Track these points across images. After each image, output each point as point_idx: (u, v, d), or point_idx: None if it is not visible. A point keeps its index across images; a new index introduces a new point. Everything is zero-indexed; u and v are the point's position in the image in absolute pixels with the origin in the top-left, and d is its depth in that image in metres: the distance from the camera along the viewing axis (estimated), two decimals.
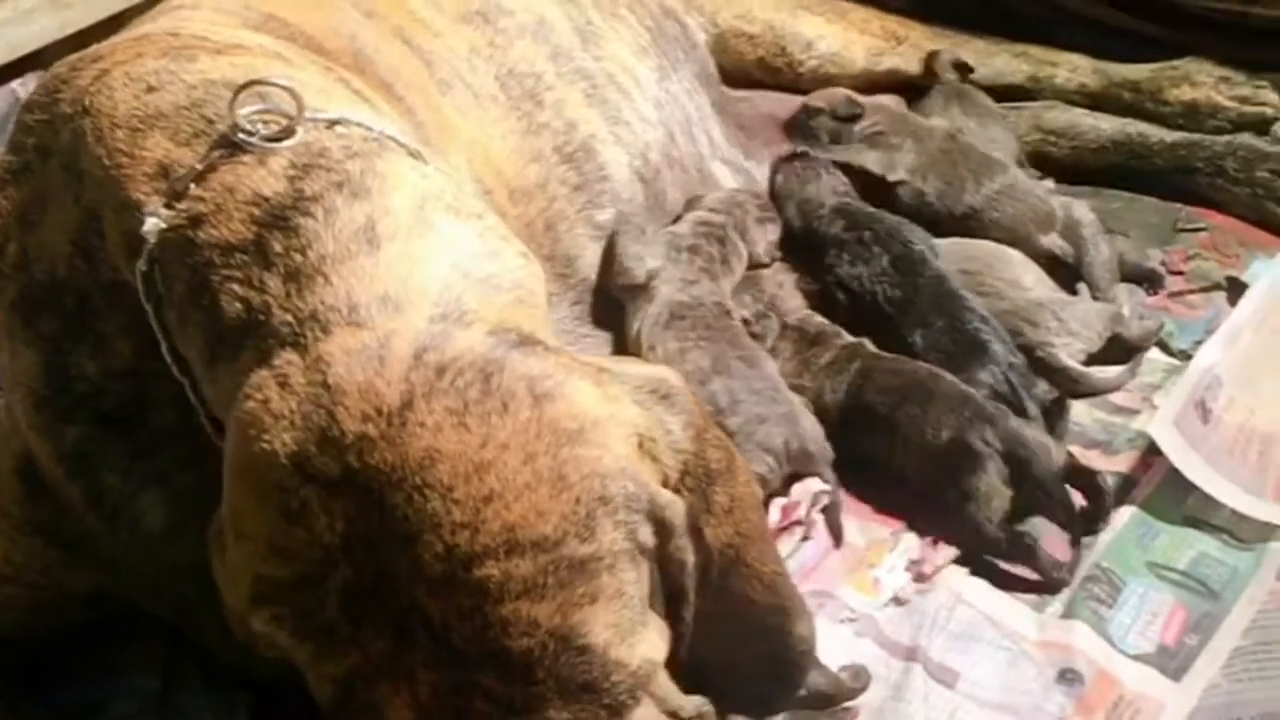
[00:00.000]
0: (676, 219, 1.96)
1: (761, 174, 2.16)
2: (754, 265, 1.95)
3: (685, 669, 1.05)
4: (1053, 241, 2.04)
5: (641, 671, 0.98)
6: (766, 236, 1.97)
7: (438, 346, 0.99)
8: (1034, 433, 1.70)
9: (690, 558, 1.03)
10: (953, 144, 2.15)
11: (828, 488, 1.69)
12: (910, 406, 1.73)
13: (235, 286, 1.06)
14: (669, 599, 1.03)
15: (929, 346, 1.83)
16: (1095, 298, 1.98)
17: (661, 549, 1.01)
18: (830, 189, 2.04)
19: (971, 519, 1.65)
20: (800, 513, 1.67)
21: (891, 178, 2.12)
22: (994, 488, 1.65)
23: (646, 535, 0.99)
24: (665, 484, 1.03)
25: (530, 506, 0.94)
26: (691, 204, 1.99)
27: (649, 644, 0.99)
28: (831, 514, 1.68)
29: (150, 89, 1.20)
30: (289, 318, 1.03)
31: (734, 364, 1.75)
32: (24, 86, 1.99)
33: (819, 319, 1.90)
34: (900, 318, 1.87)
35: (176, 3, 1.58)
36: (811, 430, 1.72)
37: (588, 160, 1.84)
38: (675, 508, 1.02)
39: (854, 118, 2.16)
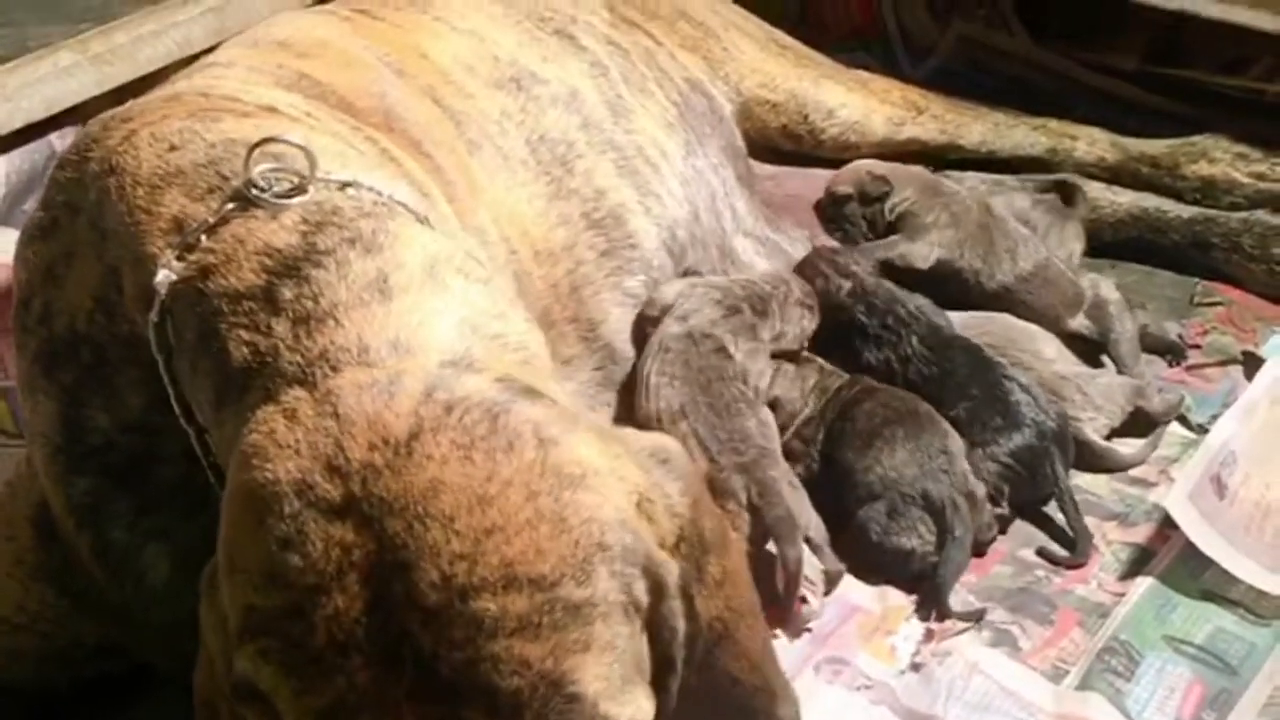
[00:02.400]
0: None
1: (788, 245, 2.17)
2: (781, 353, 1.92)
3: None
4: (1080, 322, 2.05)
5: None
6: (801, 323, 1.96)
7: (447, 386, 1.00)
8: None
9: (681, 624, 1.02)
10: (989, 217, 2.14)
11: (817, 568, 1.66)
12: (895, 428, 1.75)
13: (243, 332, 1.08)
14: (656, 669, 1.01)
15: (972, 419, 1.82)
16: (1121, 373, 1.99)
17: (654, 610, 1.00)
18: (839, 276, 2.02)
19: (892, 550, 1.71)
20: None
21: (924, 266, 2.11)
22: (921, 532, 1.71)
23: (640, 592, 0.99)
24: (660, 546, 1.03)
25: (530, 544, 0.94)
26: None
27: (637, 705, 0.98)
28: (786, 591, 1.64)
29: (172, 148, 1.23)
30: (297, 358, 1.04)
31: (702, 410, 1.75)
32: (61, 140, 2.01)
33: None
34: (939, 394, 1.85)
35: (210, 60, 1.61)
36: (782, 491, 1.68)
37: (616, 228, 1.86)
38: (670, 569, 1.02)
39: (884, 195, 2.17)
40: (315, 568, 0.94)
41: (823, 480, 1.79)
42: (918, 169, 2.25)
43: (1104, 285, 2.08)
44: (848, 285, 2.00)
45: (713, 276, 1.96)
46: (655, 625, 1.00)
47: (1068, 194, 2.29)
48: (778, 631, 1.61)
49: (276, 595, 0.95)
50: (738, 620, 1.10)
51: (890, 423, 1.77)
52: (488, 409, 0.98)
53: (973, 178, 2.34)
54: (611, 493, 1.00)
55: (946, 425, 1.79)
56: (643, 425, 1.72)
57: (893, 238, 2.15)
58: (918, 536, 1.71)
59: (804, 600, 1.65)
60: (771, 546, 1.64)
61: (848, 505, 1.75)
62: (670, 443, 1.10)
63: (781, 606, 1.63)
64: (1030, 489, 1.80)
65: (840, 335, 1.99)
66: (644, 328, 1.86)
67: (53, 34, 2.08)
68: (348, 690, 0.93)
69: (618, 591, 0.97)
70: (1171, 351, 2.09)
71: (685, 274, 1.96)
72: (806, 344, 1.97)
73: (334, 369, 1.03)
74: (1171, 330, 2.12)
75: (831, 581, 1.68)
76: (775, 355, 1.90)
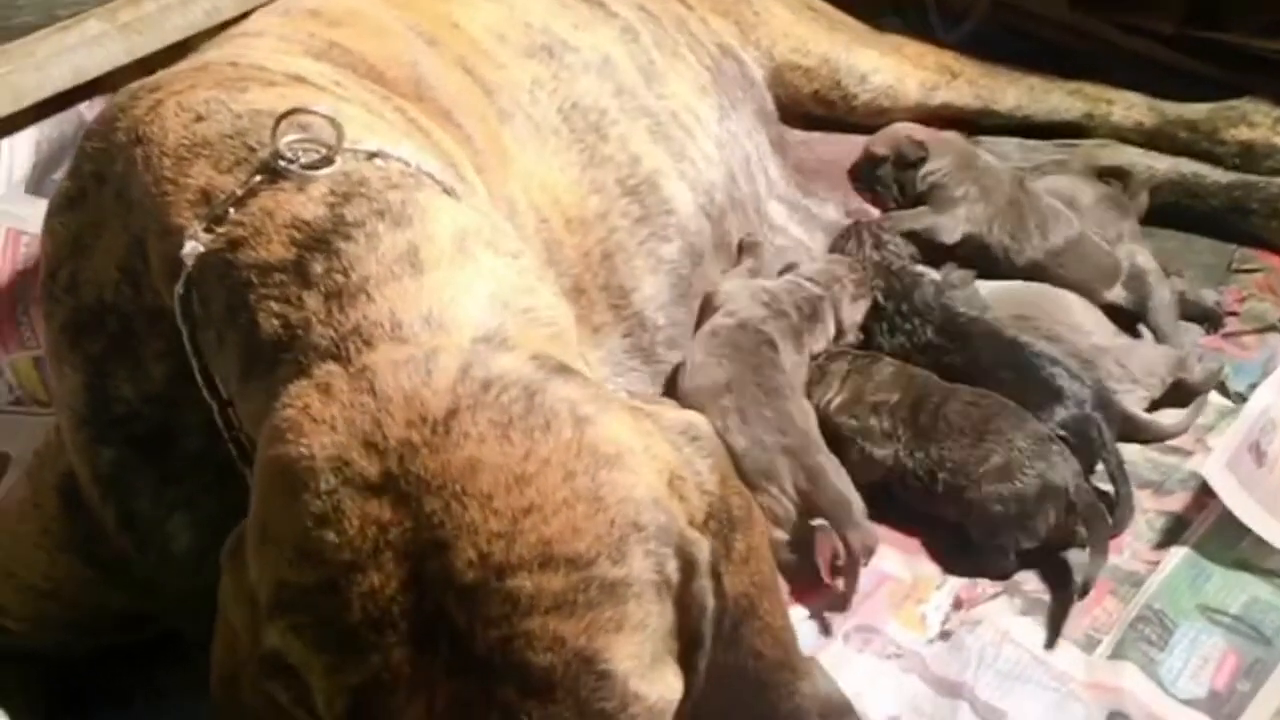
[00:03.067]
0: (744, 257, 1.97)
1: (818, 210, 2.16)
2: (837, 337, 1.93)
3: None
4: (1116, 294, 2.03)
5: (657, 709, 0.97)
6: (857, 314, 1.95)
7: (483, 363, 1.00)
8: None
9: (711, 601, 1.02)
10: (1021, 193, 2.12)
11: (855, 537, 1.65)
12: (999, 421, 1.72)
13: (273, 304, 1.07)
14: (685, 646, 1.01)
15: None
16: (1160, 343, 1.97)
17: (684, 588, 1.00)
18: (872, 245, 2.01)
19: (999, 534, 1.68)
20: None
21: (950, 241, 2.09)
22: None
23: (673, 570, 0.99)
24: (691, 524, 1.03)
25: (567, 523, 0.94)
26: (790, 267, 1.99)
27: (666, 683, 0.99)
28: (848, 572, 1.64)
29: (199, 118, 1.23)
30: (330, 332, 1.04)
31: (749, 388, 1.75)
32: (90, 109, 2.01)
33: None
34: (968, 380, 1.82)
35: (240, 29, 1.61)
36: (832, 475, 1.67)
37: (651, 194, 1.85)
38: (701, 546, 1.01)
39: (919, 161, 2.15)
40: (351, 545, 0.94)
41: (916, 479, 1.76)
42: (956, 137, 2.23)
43: (1141, 255, 2.06)
44: (875, 258, 2.00)
45: (764, 280, 1.95)
46: (685, 603, 1.01)
47: (1126, 184, 2.25)
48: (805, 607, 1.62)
49: (310, 571, 0.95)
50: (761, 596, 1.11)
51: (990, 419, 1.73)
52: (524, 387, 0.98)
53: (1030, 152, 2.30)
54: (645, 471, 1.00)
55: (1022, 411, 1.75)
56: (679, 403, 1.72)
57: (920, 209, 2.13)
58: (1045, 522, 1.67)
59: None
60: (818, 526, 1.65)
61: (963, 499, 1.71)
62: (700, 419, 1.10)
63: (824, 586, 1.64)
64: (1083, 459, 1.77)
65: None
66: (701, 320, 1.87)
67: (82, 3, 2.08)
68: (382, 668, 0.93)
69: (651, 570, 0.97)
70: (1209, 319, 2.07)
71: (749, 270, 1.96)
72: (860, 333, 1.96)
73: (367, 344, 1.02)
74: (1209, 298, 2.10)
75: (868, 554, 1.67)
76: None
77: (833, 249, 2.07)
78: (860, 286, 1.96)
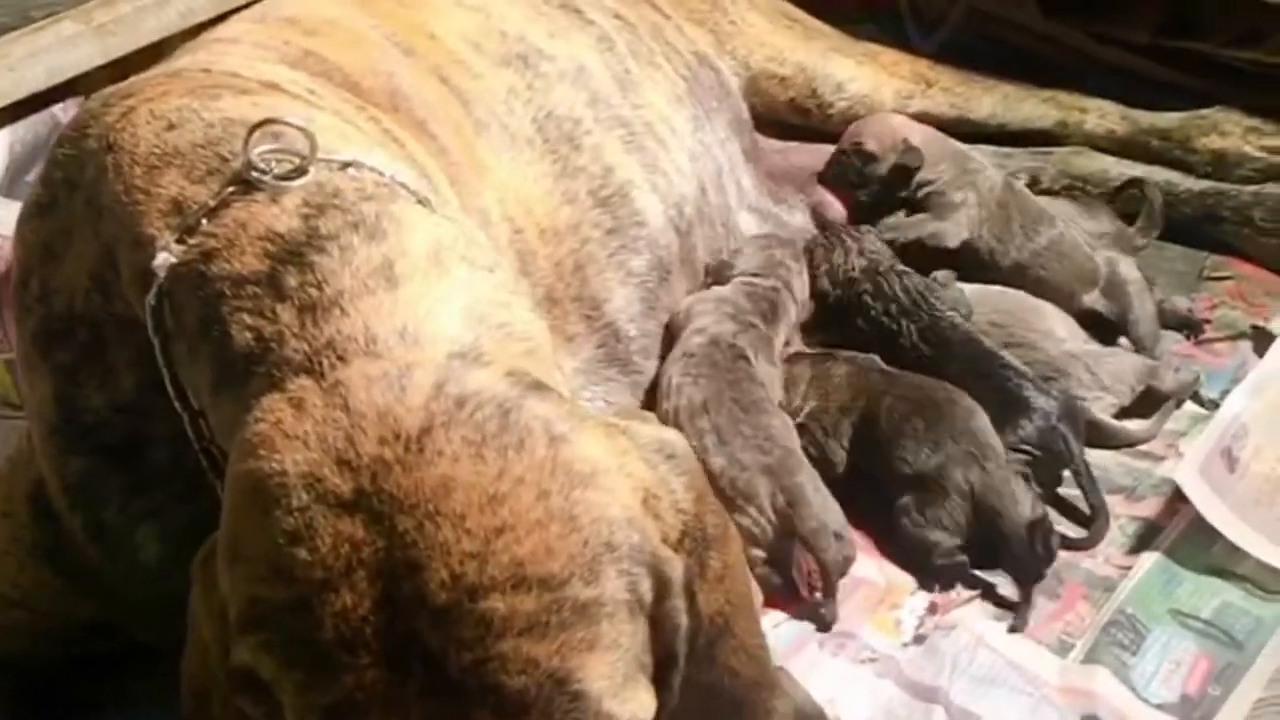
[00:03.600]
0: (713, 283, 1.97)
1: (791, 219, 2.17)
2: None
3: None
4: (1095, 299, 2.04)
5: None
6: (804, 290, 1.98)
7: (458, 380, 0.99)
8: (1012, 488, 1.70)
9: (684, 620, 1.02)
10: (1010, 195, 2.13)
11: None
12: (917, 420, 1.75)
13: (246, 317, 1.06)
14: (658, 664, 1.01)
15: None
16: (1140, 354, 1.98)
17: (657, 607, 1.00)
18: (857, 253, 2.03)
19: (919, 543, 1.70)
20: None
21: (953, 246, 2.10)
22: (949, 524, 1.69)
23: (646, 589, 0.99)
24: (665, 542, 1.03)
25: (540, 543, 0.94)
26: (725, 267, 1.99)
27: (639, 702, 0.98)
28: (826, 593, 1.64)
29: (170, 126, 1.22)
30: (304, 346, 1.03)
31: (727, 404, 1.75)
32: (65, 111, 2.00)
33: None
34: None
35: (215, 35, 1.61)
36: (810, 498, 1.67)
37: (623, 205, 1.85)
38: (675, 566, 1.01)
39: (914, 171, 2.14)
40: (324, 563, 0.93)
41: (854, 472, 1.79)
42: (943, 138, 2.22)
43: (1124, 264, 2.06)
44: (862, 263, 2.00)
45: (719, 288, 1.95)
46: (659, 621, 1.00)
47: (1144, 197, 2.24)
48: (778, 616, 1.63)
49: (282, 589, 0.95)
50: (736, 614, 1.11)
51: (910, 416, 1.76)
52: (499, 404, 0.98)
53: (1003, 160, 2.32)
54: (619, 490, 1.00)
55: (969, 402, 1.77)
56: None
57: (921, 216, 2.13)
58: (942, 529, 1.69)
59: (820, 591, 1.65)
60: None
61: (888, 496, 1.74)
62: (675, 437, 1.09)
63: (804, 602, 1.64)
64: (1050, 470, 1.79)
65: (840, 312, 1.99)
66: (670, 339, 1.87)
67: (56, 4, 2.07)
68: (355, 689, 0.93)
69: (624, 590, 0.97)
70: (1189, 327, 2.08)
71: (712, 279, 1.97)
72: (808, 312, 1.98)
73: (341, 359, 1.02)
74: (1181, 305, 2.11)
75: (847, 565, 1.68)
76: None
77: (811, 256, 2.06)
78: (798, 259, 1.98)
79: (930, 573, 1.69)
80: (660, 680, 1.01)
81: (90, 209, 1.24)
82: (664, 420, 1.72)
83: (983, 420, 1.75)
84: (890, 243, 2.08)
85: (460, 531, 0.93)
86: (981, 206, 2.11)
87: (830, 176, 2.21)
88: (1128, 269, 2.06)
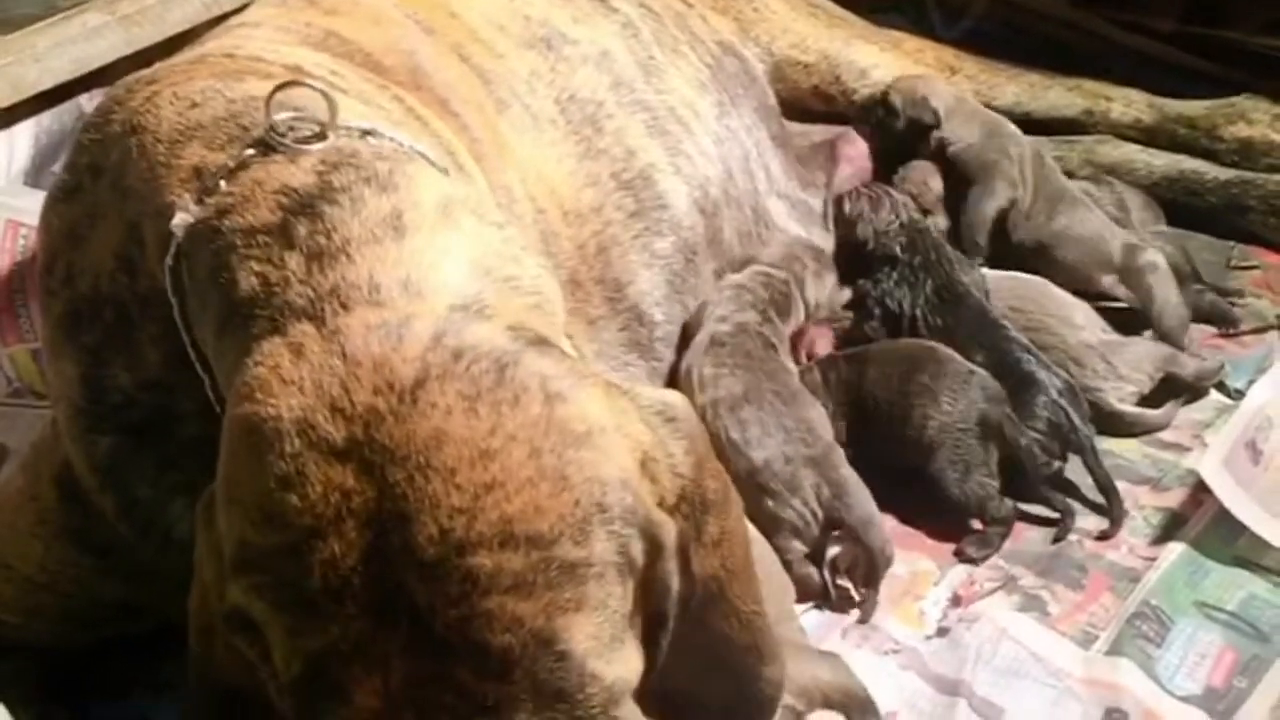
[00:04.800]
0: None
1: (817, 204, 2.16)
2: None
3: (651, 697, 1.03)
4: (1114, 285, 2.03)
5: (616, 689, 0.97)
6: (825, 289, 1.99)
7: (457, 332, 0.99)
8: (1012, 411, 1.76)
9: (675, 583, 1.02)
10: (1041, 168, 2.14)
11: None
12: (920, 375, 1.76)
13: (254, 264, 1.07)
14: (648, 623, 1.02)
15: None
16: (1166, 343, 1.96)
17: (649, 569, 1.00)
18: (904, 209, 2.05)
19: (971, 499, 1.72)
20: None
21: (993, 211, 2.11)
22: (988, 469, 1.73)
23: (637, 552, 0.99)
24: (661, 505, 1.03)
25: (530, 501, 0.94)
26: (748, 260, 1.99)
27: (625, 663, 0.98)
28: (869, 583, 1.64)
29: (194, 105, 1.22)
30: (308, 291, 1.03)
31: (768, 396, 1.74)
32: (90, 101, 2.01)
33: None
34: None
35: (239, 20, 1.61)
36: (855, 490, 1.67)
37: (646, 188, 1.85)
38: (668, 529, 1.01)
39: (934, 125, 2.16)
40: (313, 510, 0.94)
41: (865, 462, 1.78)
42: (974, 104, 2.24)
43: (1148, 253, 2.03)
44: (900, 219, 2.02)
45: (735, 275, 1.94)
46: (650, 583, 1.01)
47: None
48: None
49: (273, 533, 0.95)
50: (732, 579, 1.10)
51: (911, 374, 1.77)
52: (496, 359, 0.98)
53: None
54: (615, 450, 0.99)
55: (948, 350, 1.81)
56: None
57: (976, 191, 2.12)
58: (985, 475, 1.72)
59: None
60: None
61: (915, 468, 1.76)
62: (678, 399, 1.09)
63: (844, 598, 1.65)
64: (1055, 445, 1.79)
65: (868, 261, 2.01)
66: (689, 333, 1.86)
67: None
68: (340, 639, 0.93)
69: (614, 552, 0.97)
70: (1225, 319, 2.05)
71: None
72: (839, 308, 1.99)
73: (344, 306, 1.01)
74: (1207, 300, 2.09)
75: (886, 565, 1.67)
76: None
77: (851, 212, 2.07)
78: (821, 263, 1.99)
79: (991, 522, 1.71)
80: (649, 640, 1.01)
81: (115, 191, 1.25)
82: (700, 414, 1.72)
83: (967, 365, 1.79)
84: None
85: (450, 486, 0.93)
86: (1018, 169, 2.11)
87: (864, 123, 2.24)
88: (1152, 257, 2.02)
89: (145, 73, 1.35)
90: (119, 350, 1.26)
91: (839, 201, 2.10)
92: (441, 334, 0.99)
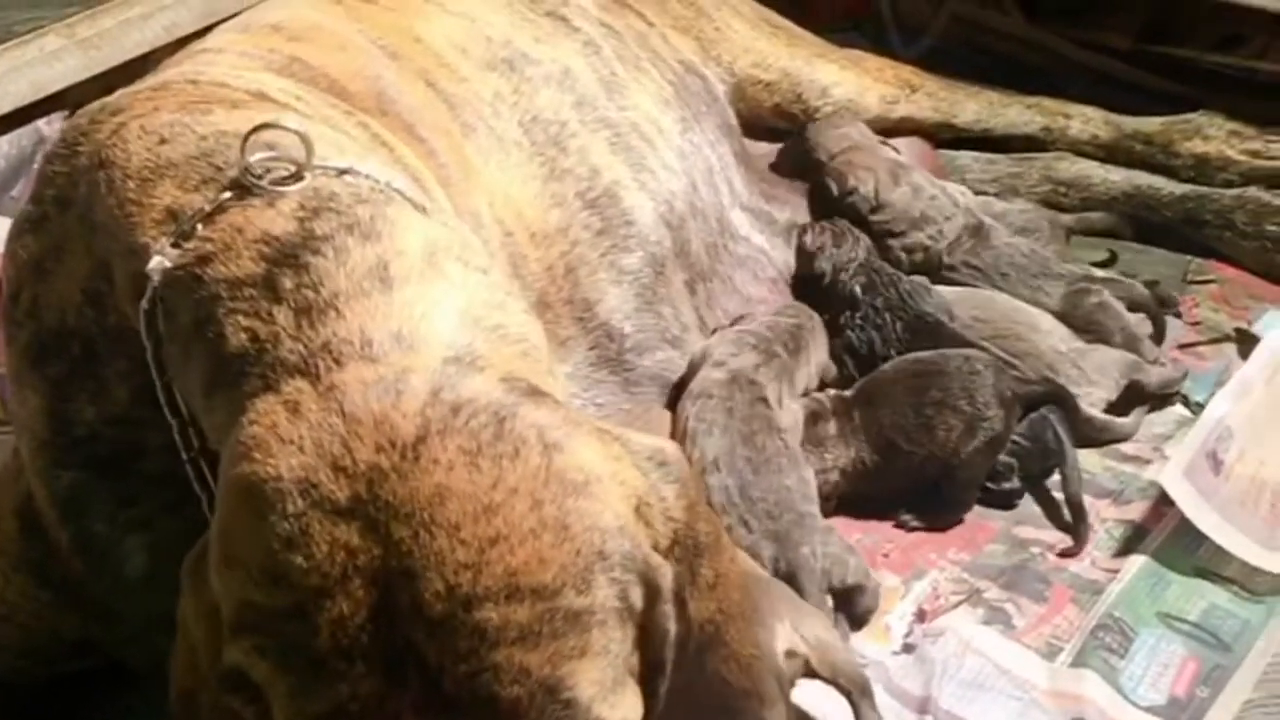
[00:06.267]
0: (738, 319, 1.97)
1: (782, 217, 2.17)
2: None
3: None
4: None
5: None
6: (824, 352, 1.97)
7: (453, 386, 0.99)
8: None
9: (673, 627, 1.01)
10: (977, 239, 2.14)
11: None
12: (930, 394, 1.79)
13: (241, 318, 1.06)
14: (647, 670, 1.02)
15: None
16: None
17: (647, 614, 1.01)
18: (863, 247, 2.05)
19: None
20: None
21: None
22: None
23: (636, 597, 1.00)
24: (655, 549, 1.03)
25: (533, 553, 0.94)
26: (715, 272, 2.00)
27: (628, 707, 0.99)
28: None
29: (163, 141, 1.21)
30: (299, 348, 1.03)
31: (739, 464, 1.71)
32: (49, 125, 2.01)
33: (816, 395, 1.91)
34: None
35: (200, 45, 1.60)
36: (808, 575, 1.60)
37: (611, 205, 1.85)
38: (664, 573, 1.01)
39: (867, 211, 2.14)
40: (319, 570, 0.94)
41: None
42: (910, 172, 2.20)
43: (1091, 295, 2.02)
44: (859, 257, 2.02)
45: (744, 324, 1.94)
46: (648, 628, 1.01)
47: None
48: None
49: (278, 594, 0.95)
50: (729, 623, 1.11)
51: (921, 401, 1.79)
52: (494, 413, 0.98)
53: (987, 165, 2.35)
54: (612, 498, 1.00)
55: (935, 354, 1.84)
56: None
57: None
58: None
59: None
60: None
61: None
62: (669, 445, 1.10)
63: None
64: (1039, 459, 1.81)
65: (826, 296, 2.01)
66: (691, 373, 1.85)
67: (40, 18, 2.07)
68: (349, 699, 0.93)
69: (615, 598, 0.97)
70: (1165, 303, 2.07)
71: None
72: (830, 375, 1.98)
73: (337, 362, 1.01)
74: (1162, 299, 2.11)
75: (869, 615, 1.65)
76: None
77: (810, 245, 2.06)
78: (811, 319, 1.98)
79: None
80: (648, 686, 1.01)
81: (83, 225, 1.24)
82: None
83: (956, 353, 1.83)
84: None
85: (455, 541, 0.93)
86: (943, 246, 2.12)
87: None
88: (1096, 297, 2.01)
89: (109, 101, 1.34)
90: (84, 384, 1.25)
91: (801, 232, 2.10)
92: (439, 388, 0.99)
